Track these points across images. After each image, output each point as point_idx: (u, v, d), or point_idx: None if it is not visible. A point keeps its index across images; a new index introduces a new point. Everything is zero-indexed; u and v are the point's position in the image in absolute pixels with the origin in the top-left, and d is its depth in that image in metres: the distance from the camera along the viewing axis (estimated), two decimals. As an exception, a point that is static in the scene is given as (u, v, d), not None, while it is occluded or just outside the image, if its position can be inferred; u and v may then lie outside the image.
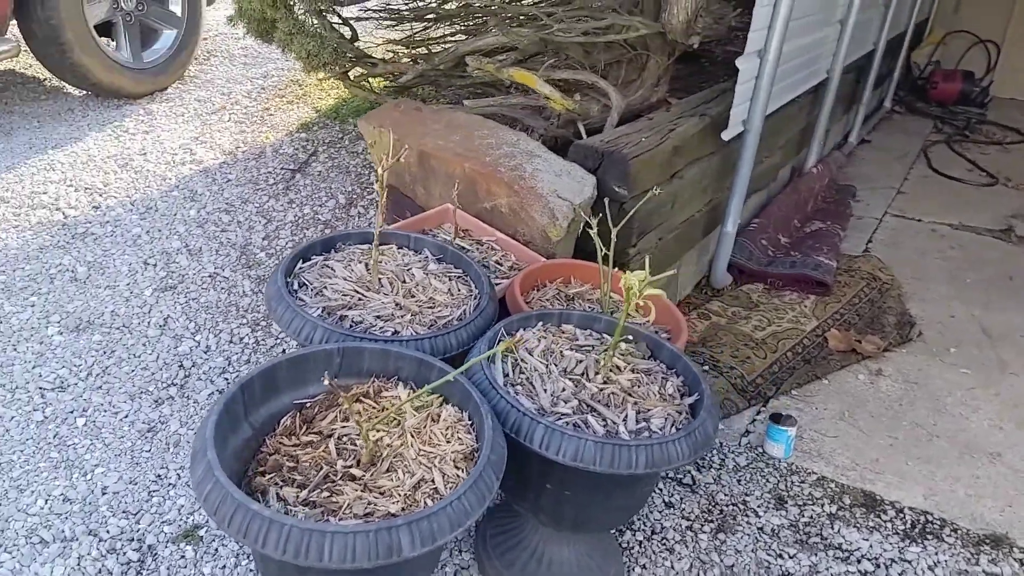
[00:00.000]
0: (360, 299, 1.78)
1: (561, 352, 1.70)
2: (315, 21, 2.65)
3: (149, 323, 2.35)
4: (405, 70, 2.86)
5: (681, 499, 2.11)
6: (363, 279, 1.84)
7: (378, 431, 1.45)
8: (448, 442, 1.42)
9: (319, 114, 3.64)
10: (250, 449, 1.43)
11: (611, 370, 1.68)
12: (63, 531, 1.72)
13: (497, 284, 2.14)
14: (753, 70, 2.80)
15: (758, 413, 2.55)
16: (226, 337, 2.34)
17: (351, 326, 1.69)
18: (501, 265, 2.26)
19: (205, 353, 2.27)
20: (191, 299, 2.46)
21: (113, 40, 3.66)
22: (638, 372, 1.70)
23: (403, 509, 1.29)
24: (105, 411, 2.04)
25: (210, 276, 2.57)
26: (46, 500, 1.78)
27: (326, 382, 1.26)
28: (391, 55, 3.03)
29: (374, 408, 1.51)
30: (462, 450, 1.40)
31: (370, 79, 3.11)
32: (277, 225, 2.85)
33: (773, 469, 2.26)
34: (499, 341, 1.66)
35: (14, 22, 3.31)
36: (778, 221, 3.77)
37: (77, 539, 1.71)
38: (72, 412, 2.02)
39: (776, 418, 2.34)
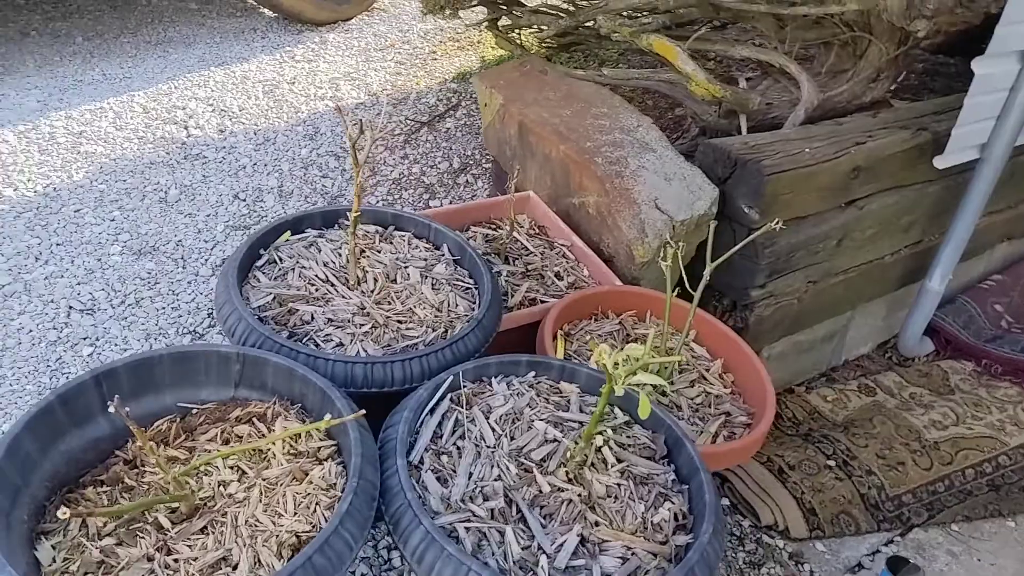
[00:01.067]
0: (326, 293, 1.48)
1: (531, 422, 1.28)
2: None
3: (206, 261, 2.26)
4: (548, 23, 2.47)
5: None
6: (344, 269, 1.54)
7: (237, 470, 1.16)
8: (294, 514, 1.09)
9: (483, 65, 3.36)
10: (101, 451, 1.22)
11: (588, 465, 1.23)
12: (5, 467, 1.65)
13: (543, 304, 1.73)
14: (1007, 78, 2.03)
15: (888, 543, 1.91)
16: (270, 293, 2.18)
17: (296, 324, 1.41)
18: (561, 280, 1.84)
19: (242, 306, 2.13)
20: (258, 244, 2.34)
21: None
22: (629, 477, 1.23)
23: (178, 596, 0.99)
24: (115, 345, 1.98)
25: (287, 223, 2.43)
26: (9, 428, 1.74)
27: (112, 409, 0.98)
28: (548, 6, 2.64)
29: (259, 438, 1.22)
30: (304, 532, 1.07)
31: (519, 32, 2.75)
32: (378, 180, 2.64)
33: (866, 637, 1.65)
34: (444, 390, 1.29)
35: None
36: (1030, 284, 2.86)
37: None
38: (84, 339, 1.98)
39: (895, 565, 1.70)
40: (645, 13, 2.20)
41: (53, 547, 1.06)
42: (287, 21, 3.74)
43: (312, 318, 1.42)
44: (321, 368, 1.29)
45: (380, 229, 1.67)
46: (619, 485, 1.21)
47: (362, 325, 1.42)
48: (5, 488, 1.05)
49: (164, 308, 2.10)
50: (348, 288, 1.49)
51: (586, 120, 2.10)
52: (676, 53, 2.06)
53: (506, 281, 1.79)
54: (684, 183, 1.89)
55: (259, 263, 1.53)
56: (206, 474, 1.15)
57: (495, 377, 1.36)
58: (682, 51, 2.06)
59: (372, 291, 1.50)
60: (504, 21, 2.67)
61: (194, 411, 1.28)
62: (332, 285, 1.50)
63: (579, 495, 1.18)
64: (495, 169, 2.43)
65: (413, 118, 2.95)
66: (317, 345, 1.38)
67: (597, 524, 1.15)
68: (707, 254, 1.62)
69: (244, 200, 2.51)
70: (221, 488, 1.13)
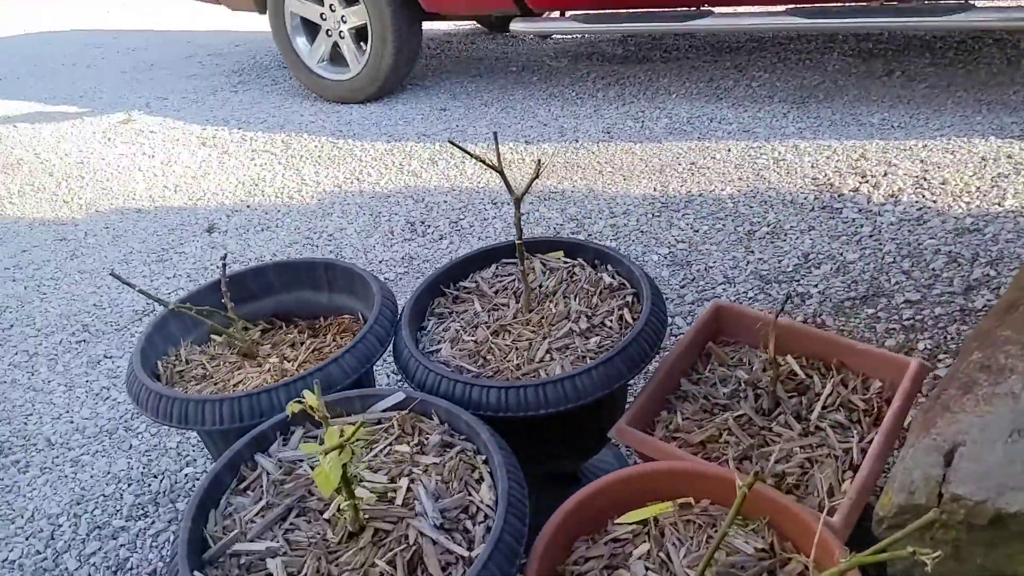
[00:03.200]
0: (506, 302, 1.65)
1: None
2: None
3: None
4: None
5: None
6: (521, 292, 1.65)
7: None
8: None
9: None
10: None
11: None
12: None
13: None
14: None
15: None
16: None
17: (459, 312, 1.66)
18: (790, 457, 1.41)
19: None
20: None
21: None
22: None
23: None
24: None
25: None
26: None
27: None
28: None
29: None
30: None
31: None
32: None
33: None
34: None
35: None
36: None
37: None
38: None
39: None
40: None
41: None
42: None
43: (474, 313, 1.64)
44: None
45: (624, 284, 1.65)
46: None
47: (486, 330, 1.57)
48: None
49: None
50: (525, 309, 1.62)
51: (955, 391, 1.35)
52: None
53: (701, 406, 1.49)
54: None
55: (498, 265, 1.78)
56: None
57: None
58: None
59: (532, 321, 1.58)
60: None
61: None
62: (517, 300, 1.64)
63: None
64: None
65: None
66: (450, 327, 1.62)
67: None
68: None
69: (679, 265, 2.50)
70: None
